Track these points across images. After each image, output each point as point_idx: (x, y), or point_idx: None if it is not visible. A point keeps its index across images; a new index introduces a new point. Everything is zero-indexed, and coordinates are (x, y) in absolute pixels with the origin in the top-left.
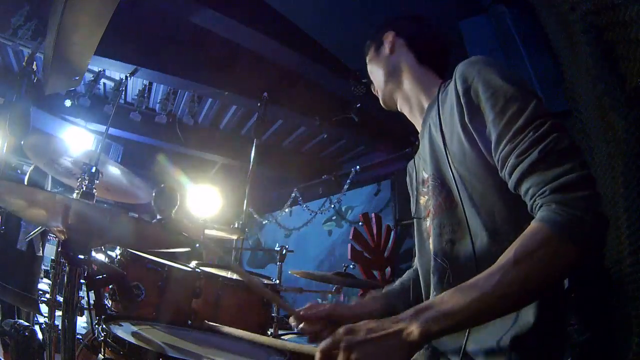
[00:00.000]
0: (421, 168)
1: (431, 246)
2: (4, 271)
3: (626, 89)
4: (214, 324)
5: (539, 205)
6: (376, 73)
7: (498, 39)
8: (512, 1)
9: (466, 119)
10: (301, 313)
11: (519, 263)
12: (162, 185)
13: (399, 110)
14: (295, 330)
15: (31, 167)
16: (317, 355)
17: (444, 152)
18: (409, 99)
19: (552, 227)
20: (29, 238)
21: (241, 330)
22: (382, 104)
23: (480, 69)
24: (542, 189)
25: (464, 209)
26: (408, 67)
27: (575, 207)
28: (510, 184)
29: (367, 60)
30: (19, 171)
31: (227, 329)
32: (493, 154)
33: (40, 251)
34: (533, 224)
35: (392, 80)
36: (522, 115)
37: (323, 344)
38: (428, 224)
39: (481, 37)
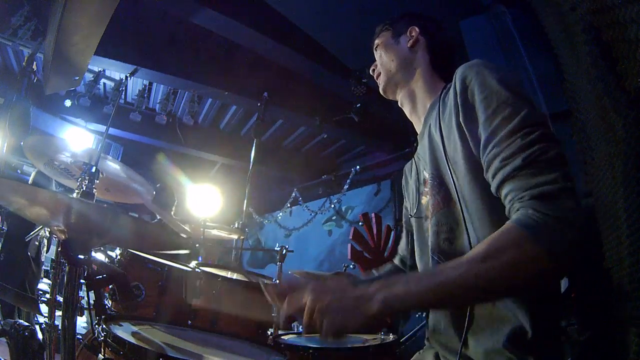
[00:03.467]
0: (422, 168)
1: (430, 243)
2: (10, 271)
3: (626, 89)
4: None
5: (516, 208)
6: (386, 59)
7: (498, 39)
8: (512, 1)
9: (461, 118)
10: (277, 285)
11: (487, 259)
12: (159, 184)
13: (399, 104)
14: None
15: (35, 171)
16: (287, 310)
17: (442, 152)
18: (414, 97)
19: (525, 229)
20: (29, 238)
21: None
22: (381, 90)
23: (479, 71)
24: (522, 195)
25: (461, 208)
26: (422, 68)
27: (551, 216)
28: (493, 186)
29: (377, 41)
30: (19, 171)
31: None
32: (480, 155)
33: (43, 254)
34: (507, 224)
35: (402, 73)
36: (512, 120)
37: (291, 301)
38: (429, 223)
39: (481, 37)
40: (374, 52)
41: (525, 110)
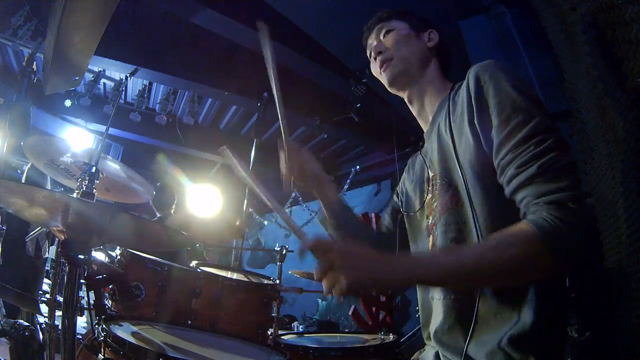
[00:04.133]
0: (427, 166)
1: (436, 244)
2: (10, 273)
3: (626, 89)
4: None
5: (532, 210)
6: (406, 50)
7: (498, 39)
8: (512, 1)
9: (475, 120)
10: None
11: (498, 248)
12: (159, 184)
13: (406, 100)
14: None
15: (28, 166)
16: (310, 244)
17: (453, 152)
18: (424, 97)
19: (536, 230)
20: (29, 238)
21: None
22: (390, 76)
23: (493, 74)
24: (536, 201)
25: (471, 208)
26: (435, 70)
27: (563, 221)
28: (507, 191)
29: (392, 25)
30: (19, 171)
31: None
32: (493, 159)
33: (47, 253)
34: (522, 222)
35: (418, 69)
36: (525, 126)
37: (319, 239)
38: (430, 222)
39: (481, 37)
40: (379, 34)
41: (538, 117)
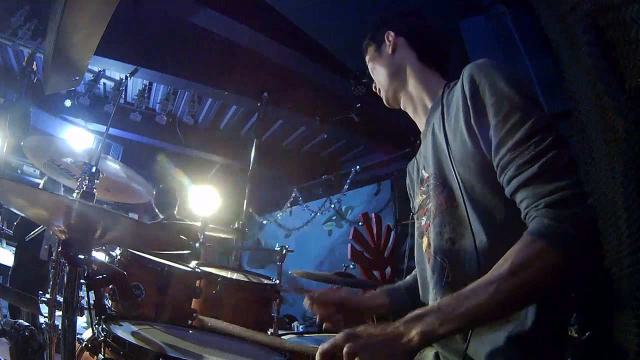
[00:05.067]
0: (421, 167)
1: (431, 244)
2: (18, 275)
3: (626, 89)
4: (210, 318)
5: (532, 216)
6: (379, 73)
7: (498, 39)
8: (512, 1)
9: (472, 120)
10: (315, 296)
11: (514, 274)
12: (162, 185)
13: (403, 109)
14: (309, 312)
15: (45, 178)
16: (318, 357)
17: (447, 152)
18: (413, 99)
19: (544, 240)
20: (29, 238)
21: (239, 327)
22: (385, 103)
23: (489, 73)
24: (537, 202)
25: (466, 208)
26: (411, 66)
27: (567, 223)
28: (507, 190)
29: (367, 60)
30: (19, 171)
31: (223, 324)
32: (492, 159)
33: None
34: (526, 236)
35: (396, 80)
36: (524, 125)
37: (324, 346)
38: (424, 223)
39: (481, 37)
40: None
41: (536, 115)
